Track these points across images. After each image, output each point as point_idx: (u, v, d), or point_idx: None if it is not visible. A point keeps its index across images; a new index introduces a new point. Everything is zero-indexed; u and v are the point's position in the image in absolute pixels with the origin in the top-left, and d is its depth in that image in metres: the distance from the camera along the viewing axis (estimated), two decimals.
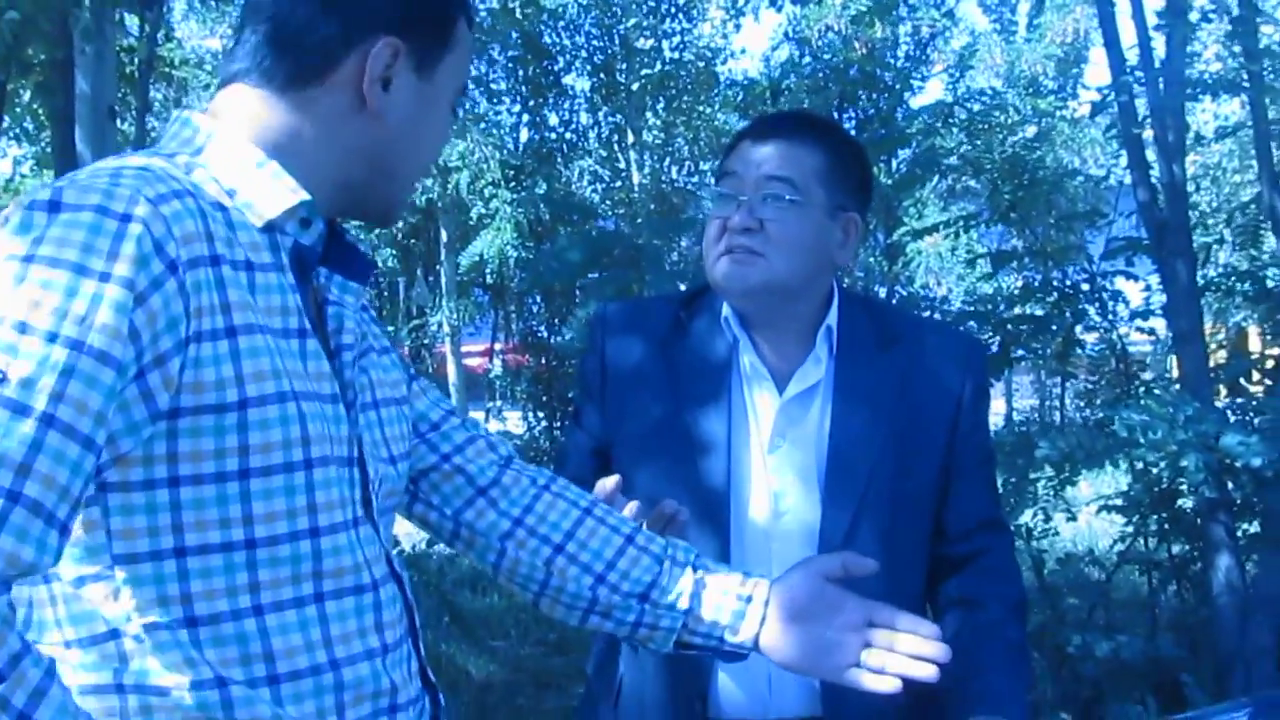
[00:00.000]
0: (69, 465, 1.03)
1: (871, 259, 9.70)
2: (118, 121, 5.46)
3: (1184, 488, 4.08)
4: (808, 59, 11.96)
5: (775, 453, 1.91)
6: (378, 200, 1.36)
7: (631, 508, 1.65)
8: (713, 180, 2.05)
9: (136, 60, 5.53)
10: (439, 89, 1.34)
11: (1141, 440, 3.39)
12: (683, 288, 4.58)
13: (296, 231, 1.26)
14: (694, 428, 1.92)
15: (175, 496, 1.13)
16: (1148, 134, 4.27)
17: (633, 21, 13.90)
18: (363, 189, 1.33)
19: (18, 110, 7.94)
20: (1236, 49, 4.22)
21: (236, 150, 1.23)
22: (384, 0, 1.27)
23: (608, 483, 1.67)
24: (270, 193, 1.23)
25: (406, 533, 7.59)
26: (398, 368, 1.45)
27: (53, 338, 1.03)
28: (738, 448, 1.91)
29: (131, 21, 5.79)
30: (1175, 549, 4.59)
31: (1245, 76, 4.16)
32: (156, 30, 4.86)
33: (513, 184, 13.75)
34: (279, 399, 1.17)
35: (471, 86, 13.66)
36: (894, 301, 8.92)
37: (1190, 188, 9.67)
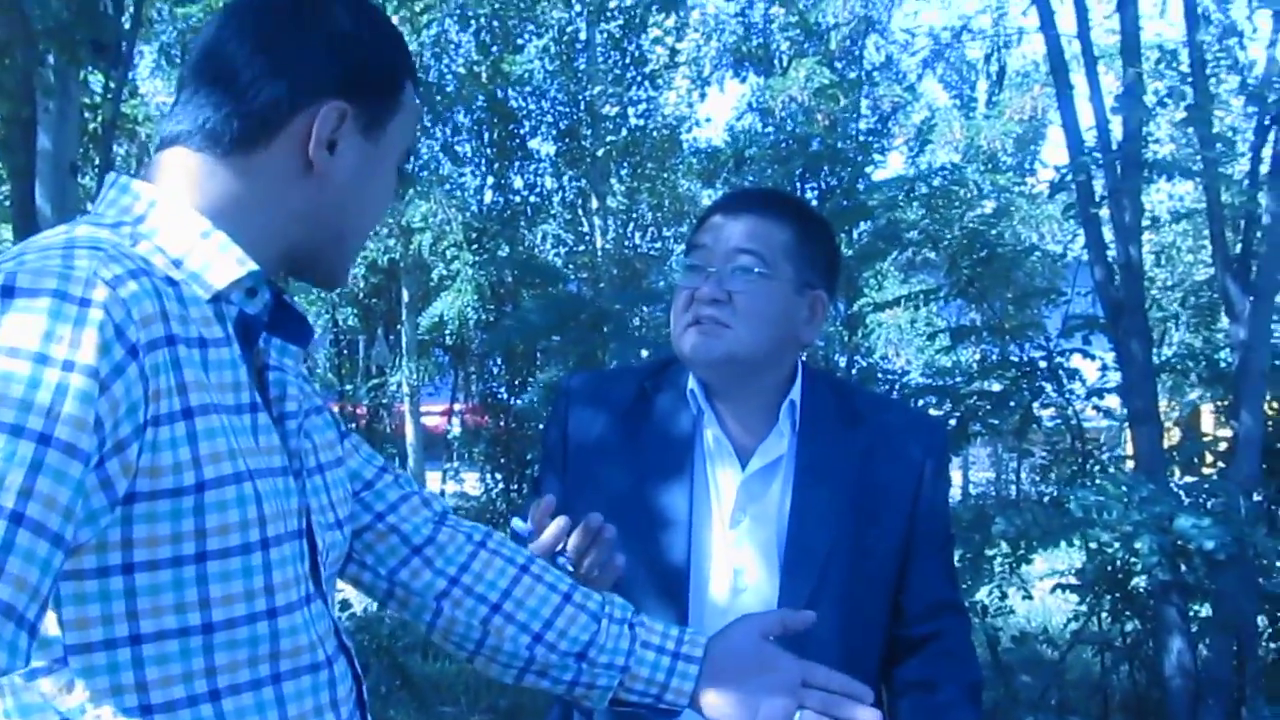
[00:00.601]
0: (39, 564, 0.99)
1: (832, 328, 9.76)
2: (79, 177, 5.43)
3: (1137, 568, 4.10)
4: (770, 129, 12.10)
5: (736, 528, 1.91)
6: (324, 263, 1.34)
7: (558, 524, 1.64)
8: (677, 248, 2.06)
9: (100, 118, 5.51)
10: (385, 151, 1.32)
11: (1096, 520, 3.40)
12: (645, 354, 4.59)
13: (242, 301, 1.24)
14: (655, 502, 1.92)
15: (130, 583, 1.10)
16: (1104, 212, 4.33)
17: (598, 88, 14.01)
18: (308, 253, 1.30)
19: None
20: (1190, 131, 4.30)
21: (181, 219, 1.20)
22: (331, 63, 1.25)
23: (541, 504, 1.67)
24: (217, 265, 1.20)
25: (357, 595, 7.51)
26: (331, 426, 1.42)
27: (18, 431, 0.99)
28: (699, 523, 1.91)
29: (96, 79, 5.79)
30: (1128, 629, 4.59)
31: (1199, 161, 4.23)
32: (121, 89, 4.86)
33: (475, 246, 13.76)
34: (235, 480, 1.14)
35: (436, 149, 13.73)
36: (854, 372, 8.97)
37: (1147, 262, 9.82)
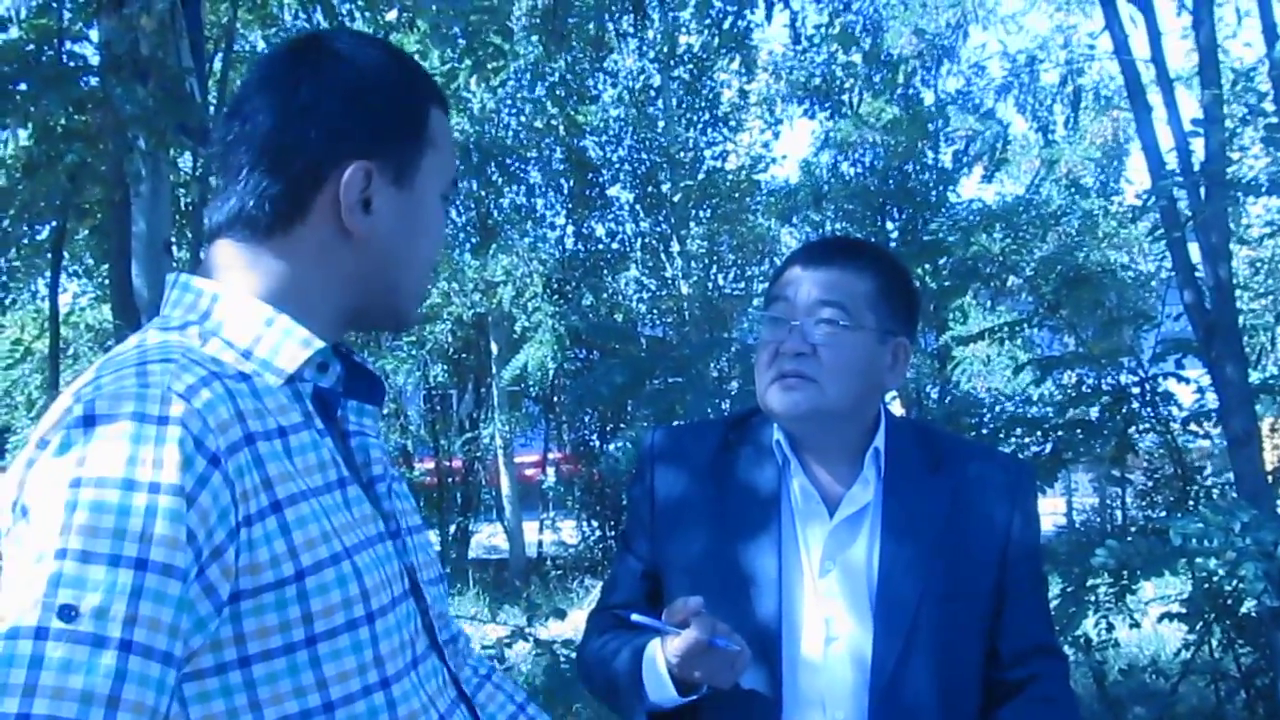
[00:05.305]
0: (154, 685, 1.04)
1: (922, 361, 9.68)
2: (177, 251, 5.59)
3: (1246, 595, 3.99)
4: (846, 164, 12.09)
5: (825, 577, 1.91)
6: (387, 313, 1.36)
7: (702, 621, 1.69)
8: (759, 287, 2.06)
9: (190, 195, 5.69)
10: (422, 192, 1.32)
11: (1199, 549, 3.33)
12: (725, 406, 4.59)
13: (315, 377, 1.27)
14: (744, 558, 1.92)
15: (248, 675, 1.14)
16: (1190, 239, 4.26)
17: (673, 134, 14.09)
18: (369, 308, 1.33)
19: (77, 245, 8.14)
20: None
21: (244, 310, 1.24)
22: (346, 124, 1.26)
23: (689, 604, 1.72)
24: (285, 350, 1.23)
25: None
26: (409, 497, 1.45)
27: (115, 560, 1.03)
28: (788, 575, 1.91)
29: (185, 158, 5.96)
30: (1242, 657, 4.47)
31: None
32: (210, 166, 5.01)
33: (556, 296, 13.86)
34: (333, 561, 1.18)
35: (519, 200, 13.86)
36: (947, 401, 8.88)
37: (1247, 273, 9.56)
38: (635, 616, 1.76)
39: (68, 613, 1.01)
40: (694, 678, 1.76)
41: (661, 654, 1.78)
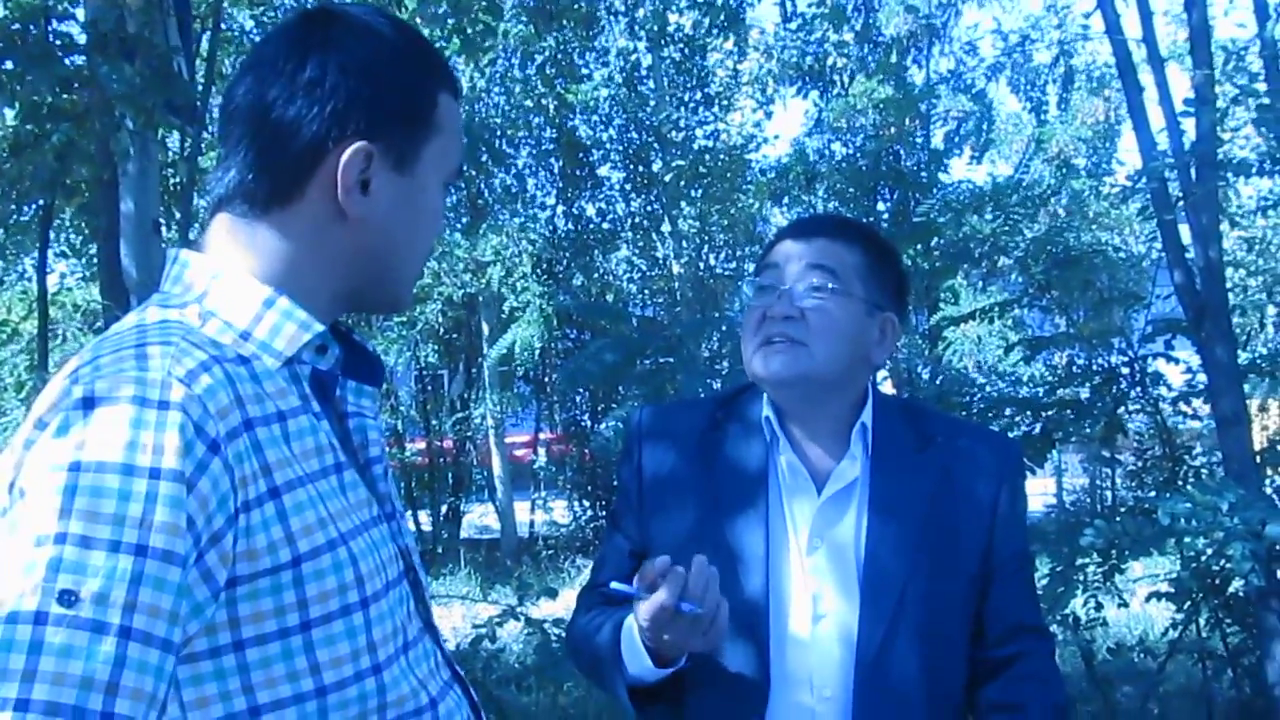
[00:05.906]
0: (152, 672, 1.04)
1: (913, 342, 9.68)
2: (166, 231, 5.57)
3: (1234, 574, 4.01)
4: (838, 144, 12.04)
5: (813, 554, 1.91)
6: (381, 296, 1.35)
7: (675, 577, 1.67)
8: (750, 268, 2.06)
9: (179, 176, 5.67)
10: (423, 178, 1.30)
11: (1187, 529, 3.34)
12: (716, 385, 4.59)
13: (313, 359, 1.26)
14: (732, 535, 1.92)
15: (242, 659, 1.14)
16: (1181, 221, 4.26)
17: (664, 114, 14.05)
18: (364, 291, 1.32)
19: (64, 224, 8.10)
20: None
21: (243, 290, 1.23)
22: (350, 102, 1.23)
23: (655, 565, 1.69)
24: (284, 332, 1.23)
25: (453, 627, 7.58)
26: (391, 483, 1.44)
27: (116, 546, 1.03)
28: (776, 552, 1.91)
29: (174, 138, 5.93)
30: (1230, 636, 4.49)
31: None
32: (198, 146, 4.99)
33: (545, 276, 13.83)
34: (330, 547, 1.18)
35: (508, 181, 13.82)
36: (938, 381, 8.88)
37: (1242, 252, 9.57)
38: (613, 585, 1.75)
39: (68, 598, 1.00)
40: (664, 642, 1.75)
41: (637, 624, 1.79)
